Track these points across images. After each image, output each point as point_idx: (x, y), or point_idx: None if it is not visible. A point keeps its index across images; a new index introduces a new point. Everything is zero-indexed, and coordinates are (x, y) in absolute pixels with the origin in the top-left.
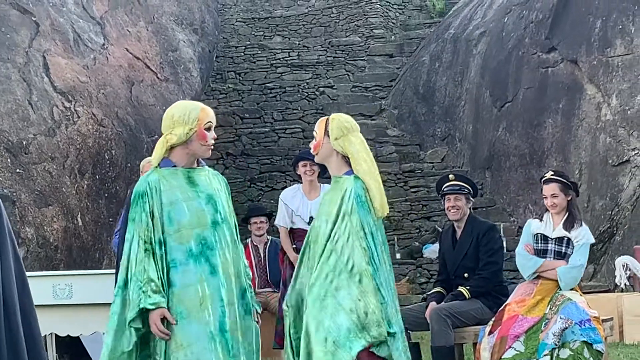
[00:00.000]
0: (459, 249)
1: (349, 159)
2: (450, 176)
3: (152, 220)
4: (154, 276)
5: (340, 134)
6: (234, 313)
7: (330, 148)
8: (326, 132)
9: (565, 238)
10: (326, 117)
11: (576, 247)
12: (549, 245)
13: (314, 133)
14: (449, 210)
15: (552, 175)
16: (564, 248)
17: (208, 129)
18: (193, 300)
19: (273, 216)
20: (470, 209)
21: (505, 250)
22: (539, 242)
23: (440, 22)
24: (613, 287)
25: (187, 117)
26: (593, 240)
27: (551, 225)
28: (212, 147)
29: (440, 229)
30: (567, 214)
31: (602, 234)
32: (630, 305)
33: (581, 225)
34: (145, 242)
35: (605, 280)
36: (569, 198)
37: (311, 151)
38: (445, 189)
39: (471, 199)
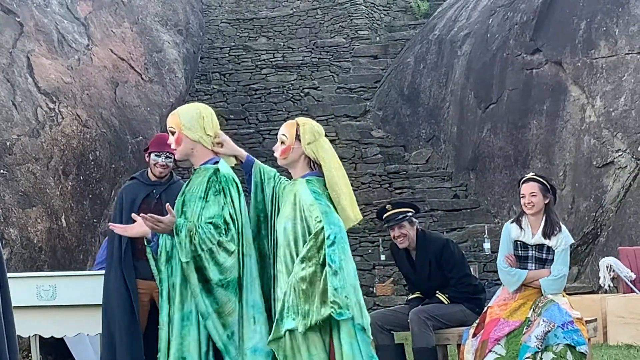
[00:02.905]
0: (420, 272)
1: (312, 163)
2: (388, 206)
3: None
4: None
5: (313, 139)
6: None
7: (300, 152)
8: (297, 136)
9: (545, 246)
10: (294, 121)
11: (556, 254)
12: (529, 251)
13: (282, 137)
14: (396, 239)
15: (533, 175)
16: (544, 254)
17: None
18: None
19: None
20: (416, 228)
21: (490, 252)
22: (519, 249)
23: (424, 23)
24: (597, 288)
25: None
26: (572, 241)
27: (529, 232)
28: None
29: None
30: (544, 218)
31: (586, 235)
32: (614, 306)
33: (560, 230)
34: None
35: (589, 282)
36: (547, 201)
37: (277, 155)
38: (386, 220)
39: (414, 220)
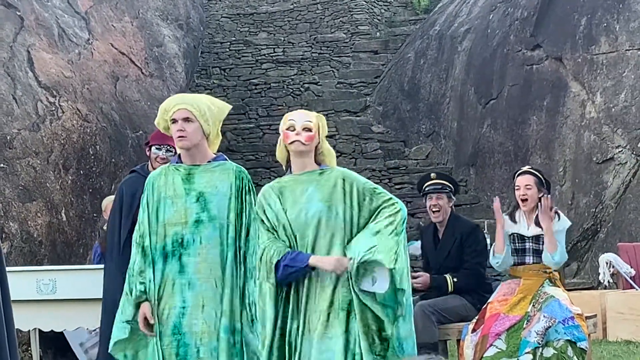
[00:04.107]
0: (441, 249)
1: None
2: (432, 175)
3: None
4: (137, 269)
5: (326, 134)
6: (201, 315)
7: (317, 144)
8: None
9: (542, 236)
10: (313, 112)
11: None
12: (526, 243)
13: (308, 124)
14: (431, 210)
15: (528, 168)
16: (541, 246)
17: (173, 121)
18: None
19: None
20: (452, 207)
21: (489, 248)
22: (516, 242)
23: (425, 18)
24: (597, 284)
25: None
26: (569, 223)
27: (525, 224)
28: (180, 139)
29: (422, 224)
30: (538, 210)
31: (585, 231)
32: (614, 302)
33: (559, 219)
34: (140, 236)
35: (589, 278)
36: (541, 195)
37: (302, 139)
38: (426, 188)
39: (453, 197)
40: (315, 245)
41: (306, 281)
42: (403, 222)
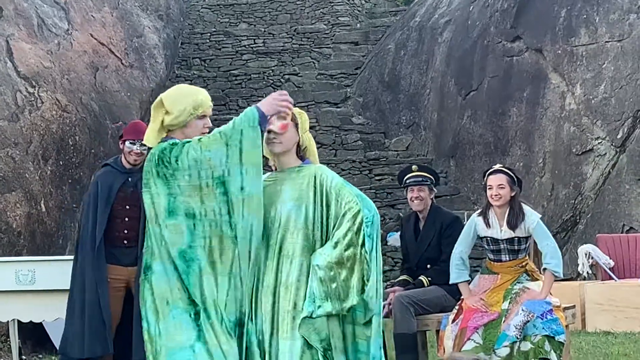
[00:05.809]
0: (421, 240)
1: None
2: (413, 167)
3: None
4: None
5: (307, 129)
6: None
7: (296, 139)
8: (295, 122)
9: (515, 238)
10: (296, 109)
11: (535, 234)
12: (501, 245)
13: (282, 114)
14: (412, 201)
15: (500, 167)
16: (515, 245)
17: (202, 117)
18: None
19: None
20: (432, 198)
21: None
22: (490, 244)
23: (405, 10)
24: (576, 275)
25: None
26: (539, 215)
27: (497, 226)
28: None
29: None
30: (508, 209)
31: (565, 222)
32: (593, 293)
33: (524, 217)
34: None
35: (568, 269)
36: (513, 194)
37: (276, 129)
38: (407, 181)
39: (434, 189)
40: (283, 245)
41: None
42: (367, 225)
